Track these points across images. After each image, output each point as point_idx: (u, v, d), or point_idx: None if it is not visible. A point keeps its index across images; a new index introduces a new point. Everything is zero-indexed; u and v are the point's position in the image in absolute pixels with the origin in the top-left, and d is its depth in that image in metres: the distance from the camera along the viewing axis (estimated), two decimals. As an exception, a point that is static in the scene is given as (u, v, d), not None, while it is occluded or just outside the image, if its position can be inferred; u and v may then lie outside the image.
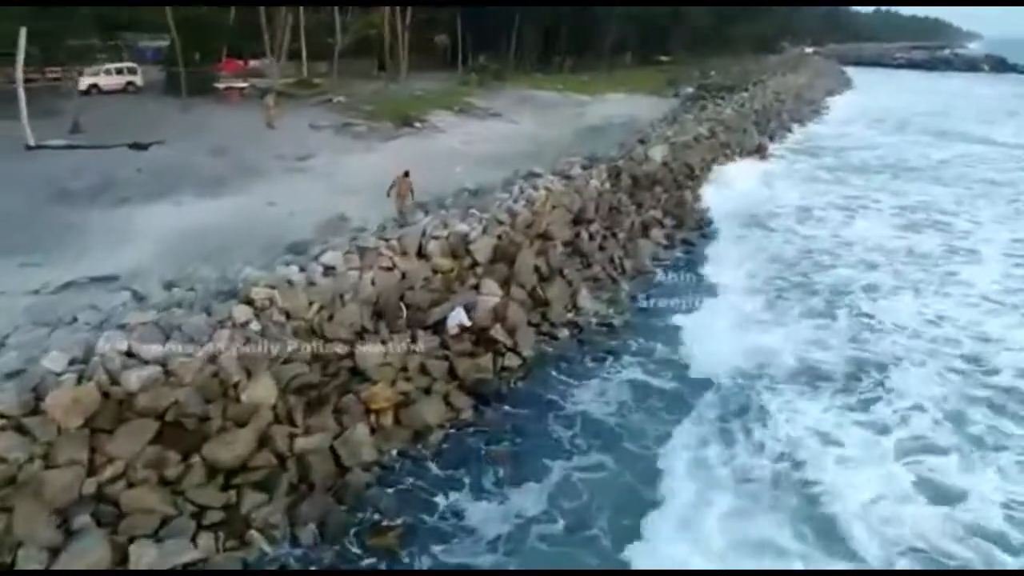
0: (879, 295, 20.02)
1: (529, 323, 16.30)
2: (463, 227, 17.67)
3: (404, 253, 16.27)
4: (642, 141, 30.47)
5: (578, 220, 21.41)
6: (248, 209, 21.25)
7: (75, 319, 13.51)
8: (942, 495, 11.60)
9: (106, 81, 36.16)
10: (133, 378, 10.99)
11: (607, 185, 23.59)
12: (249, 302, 13.42)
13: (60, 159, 23.57)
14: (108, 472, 10.27)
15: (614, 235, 21.42)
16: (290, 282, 14.10)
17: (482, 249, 17.44)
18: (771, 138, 37.10)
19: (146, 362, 11.47)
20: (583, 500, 11.39)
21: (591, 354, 16.21)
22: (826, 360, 16.01)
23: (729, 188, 28.07)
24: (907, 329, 17.79)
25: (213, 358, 12.06)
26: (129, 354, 11.56)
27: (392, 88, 37.63)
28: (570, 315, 17.42)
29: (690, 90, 46.25)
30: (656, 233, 22.89)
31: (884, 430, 13.22)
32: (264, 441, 11.41)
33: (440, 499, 11.32)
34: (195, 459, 10.87)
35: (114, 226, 19.29)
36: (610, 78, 47.51)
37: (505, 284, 17.06)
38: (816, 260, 22.55)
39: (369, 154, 27.96)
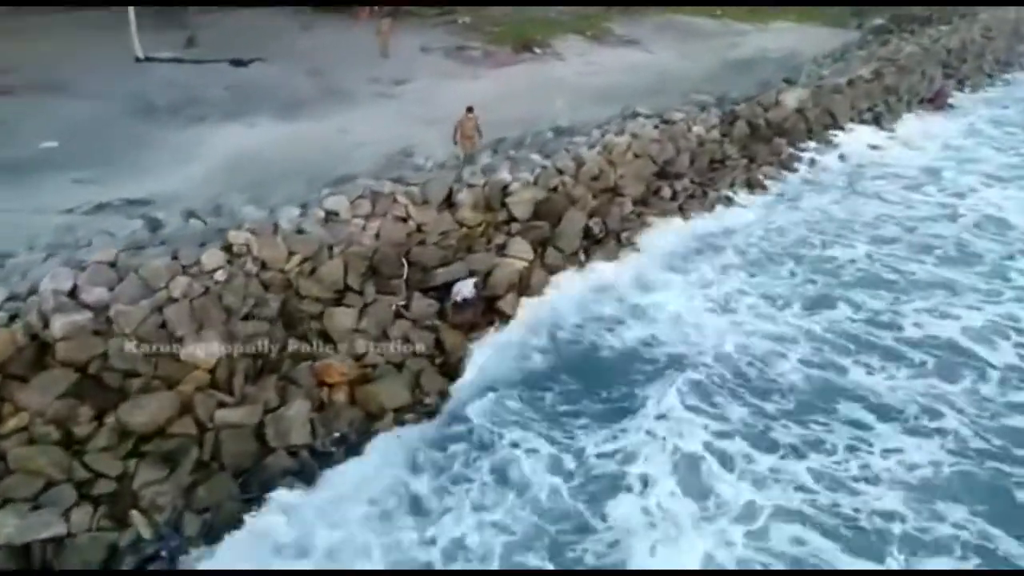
0: None
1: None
2: (504, 176, 15.57)
3: (425, 202, 14.54)
4: (789, 81, 26.17)
5: (663, 173, 18.54)
6: (317, 136, 20.36)
7: (89, 243, 13.22)
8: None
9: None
10: (58, 324, 10.32)
11: (714, 133, 20.26)
12: (228, 247, 12.40)
13: (158, 73, 23.79)
14: (12, 423, 9.74)
15: (704, 194, 18.31)
16: (276, 227, 12.89)
17: (522, 203, 15.35)
18: (960, 84, 30.63)
19: (85, 306, 10.79)
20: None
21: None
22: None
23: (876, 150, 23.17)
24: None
25: (160, 308, 11.18)
26: (72, 295, 10.93)
27: (528, 9, 35.00)
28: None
29: (879, 21, 39.39)
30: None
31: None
32: (187, 407, 10.43)
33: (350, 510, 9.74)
34: (111, 419, 10.10)
35: (178, 146, 19.09)
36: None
37: (541, 246, 14.93)
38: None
39: (471, 81, 26.04)
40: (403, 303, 13.06)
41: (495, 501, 9.89)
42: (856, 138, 23.32)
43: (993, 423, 11.66)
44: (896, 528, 9.74)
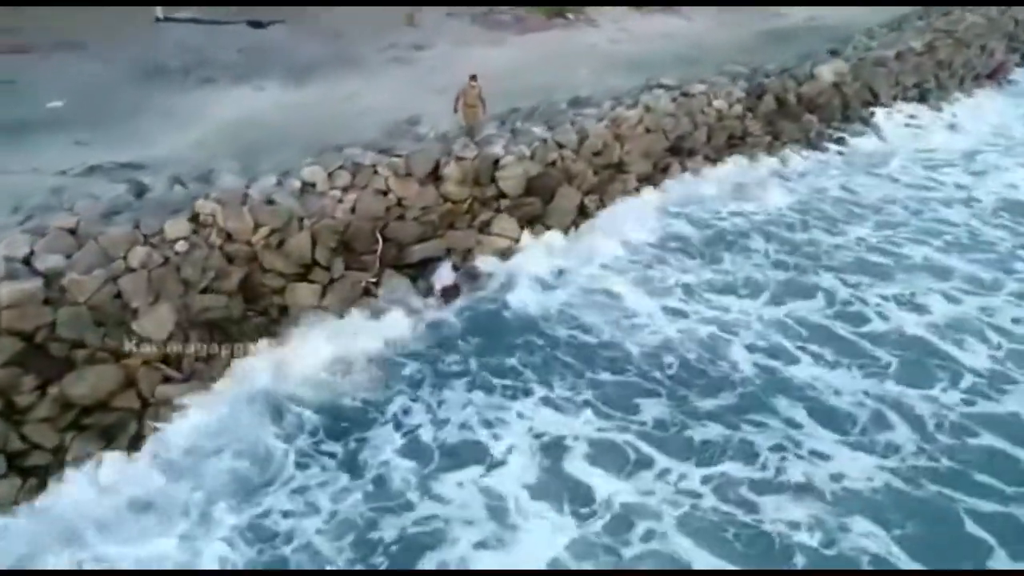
0: None
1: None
2: (496, 149, 14.85)
3: (409, 175, 13.95)
4: (834, 52, 24.58)
5: (676, 149, 17.53)
6: (324, 102, 19.90)
7: (72, 207, 13.07)
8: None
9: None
10: (5, 291, 10.15)
11: (737, 108, 19.06)
12: (195, 217, 12.08)
13: (174, 34, 23.62)
14: (-46, 391, 9.63)
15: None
16: (247, 197, 12.50)
17: (512, 178, 14.64)
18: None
19: (38, 273, 10.60)
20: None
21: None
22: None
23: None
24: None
25: (116, 278, 10.93)
26: (26, 262, 10.75)
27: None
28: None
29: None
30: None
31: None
32: (132, 381, 10.19)
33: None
34: (55, 390, 9.93)
35: (181, 109, 18.86)
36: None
37: (530, 224, 14.24)
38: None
39: (493, 48, 25.16)
40: (374, 280, 12.58)
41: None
42: (897, 117, 21.65)
43: (947, 439, 10.49)
44: (785, 539, 8.92)
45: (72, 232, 11.30)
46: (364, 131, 17.62)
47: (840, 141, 19.69)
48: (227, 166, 15.10)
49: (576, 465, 9.91)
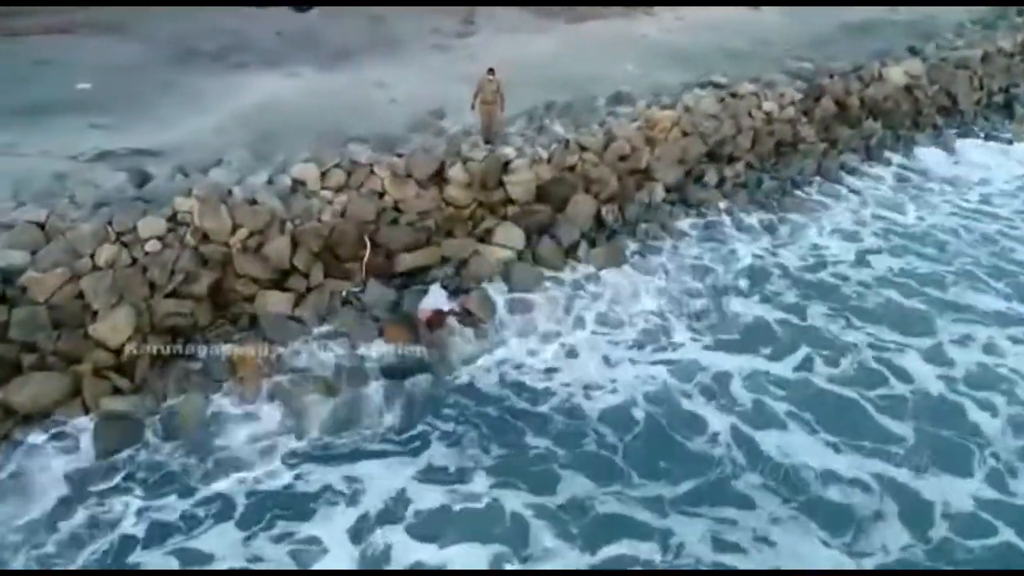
0: None
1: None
2: (507, 150, 13.78)
3: (408, 176, 13.03)
4: (913, 50, 22.41)
5: (715, 155, 16.03)
6: (352, 89, 19.19)
7: (72, 197, 12.76)
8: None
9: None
10: (-45, 290, 9.76)
11: (789, 111, 17.36)
12: (173, 215, 11.50)
13: (215, 15, 23.26)
14: None
15: (759, 184, 15.72)
16: (231, 192, 11.84)
17: (522, 183, 13.52)
18: None
19: (-2, 270, 10.19)
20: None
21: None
22: None
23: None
24: None
25: (78, 276, 10.43)
26: (-12, 258, 10.36)
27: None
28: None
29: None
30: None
31: None
32: (79, 390, 9.66)
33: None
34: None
35: (208, 93, 18.45)
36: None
37: (538, 234, 13.16)
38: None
39: (539, 35, 23.95)
40: (358, 289, 11.75)
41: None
42: (976, 127, 19.39)
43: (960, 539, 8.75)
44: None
45: (41, 226, 10.86)
46: (385, 122, 16.84)
47: (905, 153, 17.71)
48: (238, 155, 14.57)
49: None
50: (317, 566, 8.42)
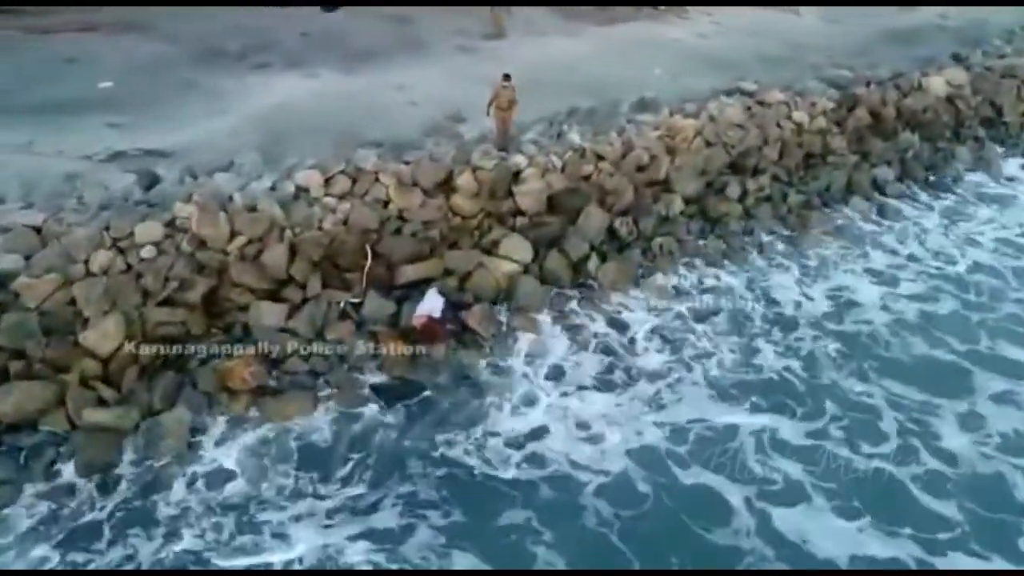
0: None
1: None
2: (518, 158, 13.35)
3: (414, 184, 12.68)
4: (957, 57, 21.40)
5: (738, 166, 15.38)
6: (371, 91, 18.92)
7: (80, 198, 12.70)
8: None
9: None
10: (-57, 295, 9.66)
11: (820, 120, 16.60)
12: (171, 221, 11.32)
13: (240, 15, 23.20)
14: None
15: (784, 198, 15.03)
16: (231, 199, 11.61)
17: (532, 192, 13.07)
18: None
19: (-9, 275, 10.08)
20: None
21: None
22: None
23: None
24: None
25: (71, 282, 10.28)
26: (-18, 261, 10.26)
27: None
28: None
29: None
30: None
31: None
32: (64, 400, 9.49)
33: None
34: (-16, 402, 9.36)
35: (227, 93, 18.35)
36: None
37: (547, 247, 12.70)
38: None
39: (568, 39, 23.43)
40: (356, 301, 11.42)
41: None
42: (1022, 141, 18.34)
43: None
44: None
45: (38, 231, 10.74)
46: (402, 125, 16.56)
47: (943, 168, 16.77)
48: (249, 158, 14.38)
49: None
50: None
